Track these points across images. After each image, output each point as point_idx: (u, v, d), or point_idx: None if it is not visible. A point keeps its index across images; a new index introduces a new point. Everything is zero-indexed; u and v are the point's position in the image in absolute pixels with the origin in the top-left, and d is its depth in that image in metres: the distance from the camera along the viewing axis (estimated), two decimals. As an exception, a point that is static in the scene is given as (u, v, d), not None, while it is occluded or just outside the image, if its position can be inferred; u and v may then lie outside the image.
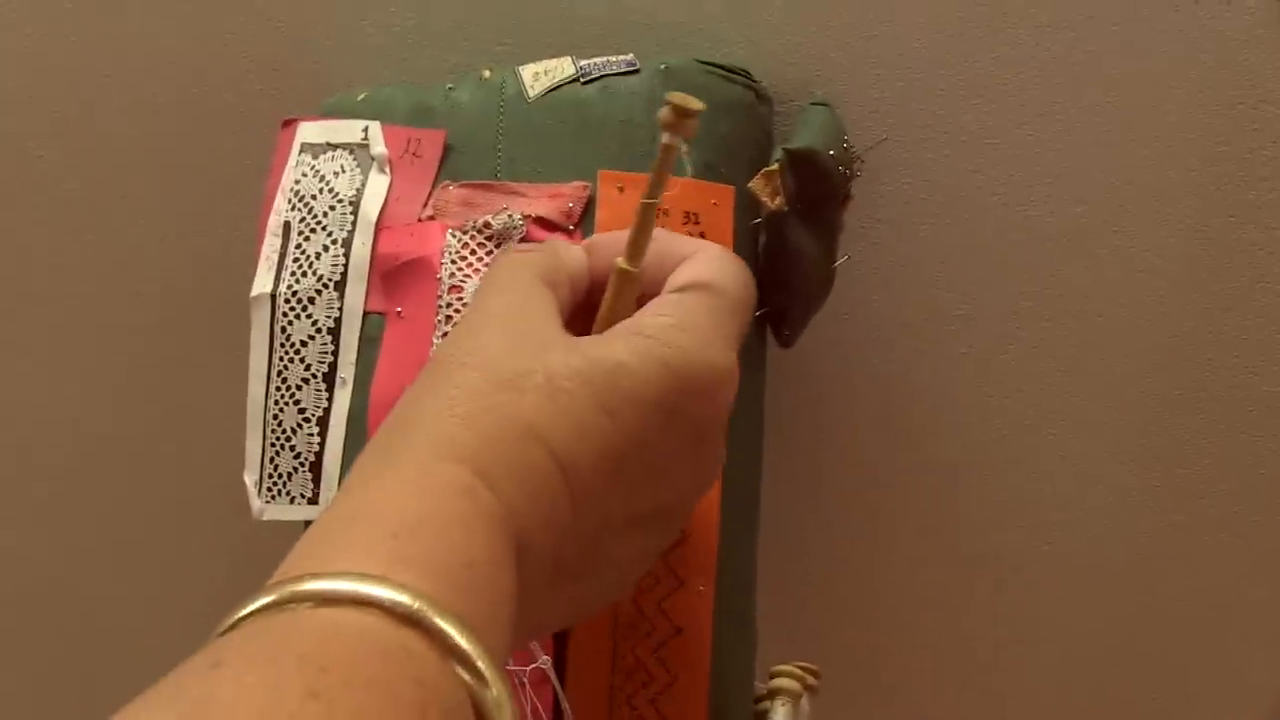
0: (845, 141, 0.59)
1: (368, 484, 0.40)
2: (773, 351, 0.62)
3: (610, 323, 0.50)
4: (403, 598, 0.33)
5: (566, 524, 0.42)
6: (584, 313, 0.52)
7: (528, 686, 0.54)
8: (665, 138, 0.48)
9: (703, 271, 0.50)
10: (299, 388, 0.61)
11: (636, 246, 0.50)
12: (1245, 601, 0.75)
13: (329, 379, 0.61)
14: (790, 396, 0.74)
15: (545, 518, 0.41)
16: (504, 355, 0.43)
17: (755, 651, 0.62)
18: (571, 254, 0.52)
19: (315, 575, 0.34)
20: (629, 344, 0.44)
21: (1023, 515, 0.75)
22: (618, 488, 0.44)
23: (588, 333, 0.50)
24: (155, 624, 0.86)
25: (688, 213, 0.59)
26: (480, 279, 0.53)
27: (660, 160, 0.49)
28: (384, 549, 0.35)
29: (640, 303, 0.51)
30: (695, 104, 0.46)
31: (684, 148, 0.50)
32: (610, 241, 0.54)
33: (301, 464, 0.61)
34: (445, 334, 0.58)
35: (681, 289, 0.49)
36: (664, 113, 0.48)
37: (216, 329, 0.78)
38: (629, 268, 0.51)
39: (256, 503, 0.62)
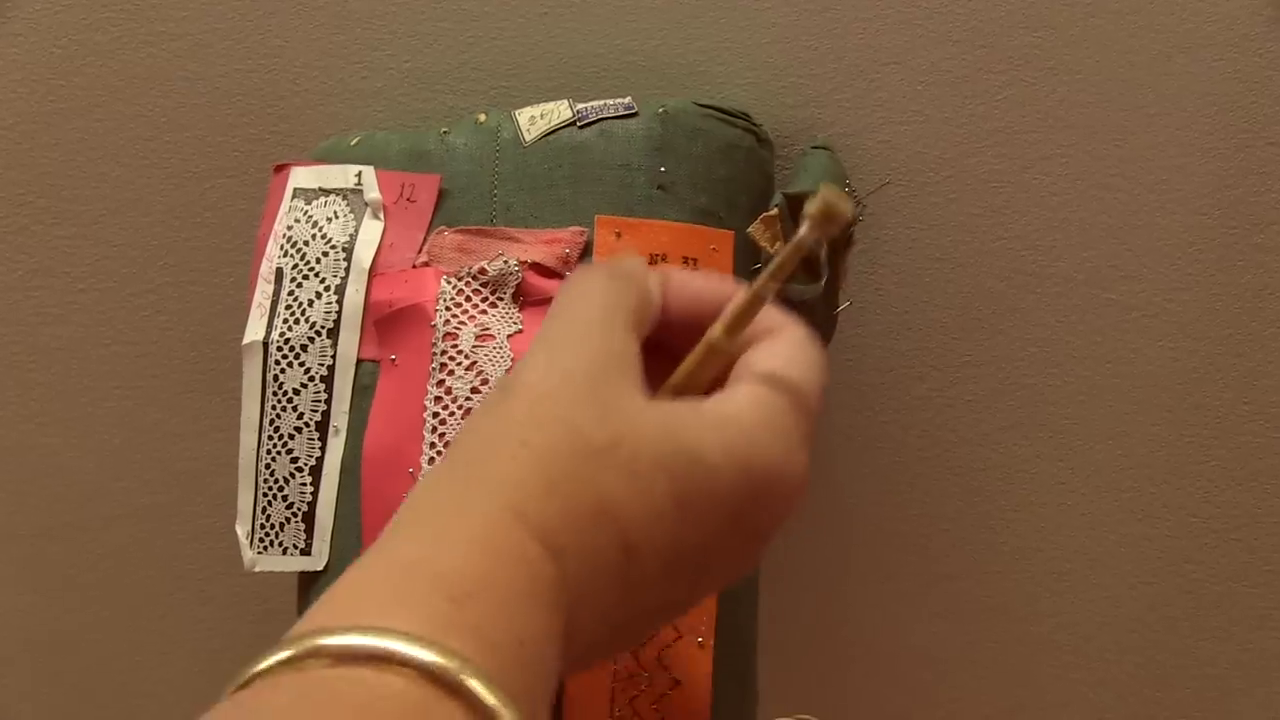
0: (847, 185, 0.59)
1: (433, 528, 0.38)
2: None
3: (686, 390, 0.47)
4: (448, 663, 0.32)
5: (611, 605, 0.40)
6: (649, 350, 0.46)
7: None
8: (804, 229, 0.43)
9: (789, 362, 0.46)
10: (291, 437, 0.60)
11: (739, 324, 0.47)
12: (1258, 651, 0.73)
13: (322, 428, 0.60)
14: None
15: (598, 595, 0.39)
16: (591, 423, 0.40)
17: (756, 707, 0.61)
18: (650, 286, 0.48)
19: (358, 629, 0.32)
20: (716, 436, 0.41)
21: (1031, 566, 0.73)
22: (668, 577, 0.41)
23: (653, 374, 0.46)
24: (146, 676, 0.84)
25: (686, 258, 0.58)
26: (564, 291, 0.47)
27: (793, 248, 0.44)
28: (441, 613, 0.34)
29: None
30: (847, 209, 0.43)
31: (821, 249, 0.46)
32: (687, 282, 0.50)
33: (294, 514, 0.60)
34: (440, 381, 0.57)
35: (769, 381, 0.45)
36: (814, 208, 0.43)
37: (208, 377, 0.76)
38: (724, 345, 0.47)
39: (248, 554, 0.61)
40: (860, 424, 0.70)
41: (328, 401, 0.60)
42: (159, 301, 0.76)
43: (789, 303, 0.57)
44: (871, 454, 0.70)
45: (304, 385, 0.60)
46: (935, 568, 0.71)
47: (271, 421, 0.61)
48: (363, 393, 0.60)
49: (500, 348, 0.58)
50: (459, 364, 0.58)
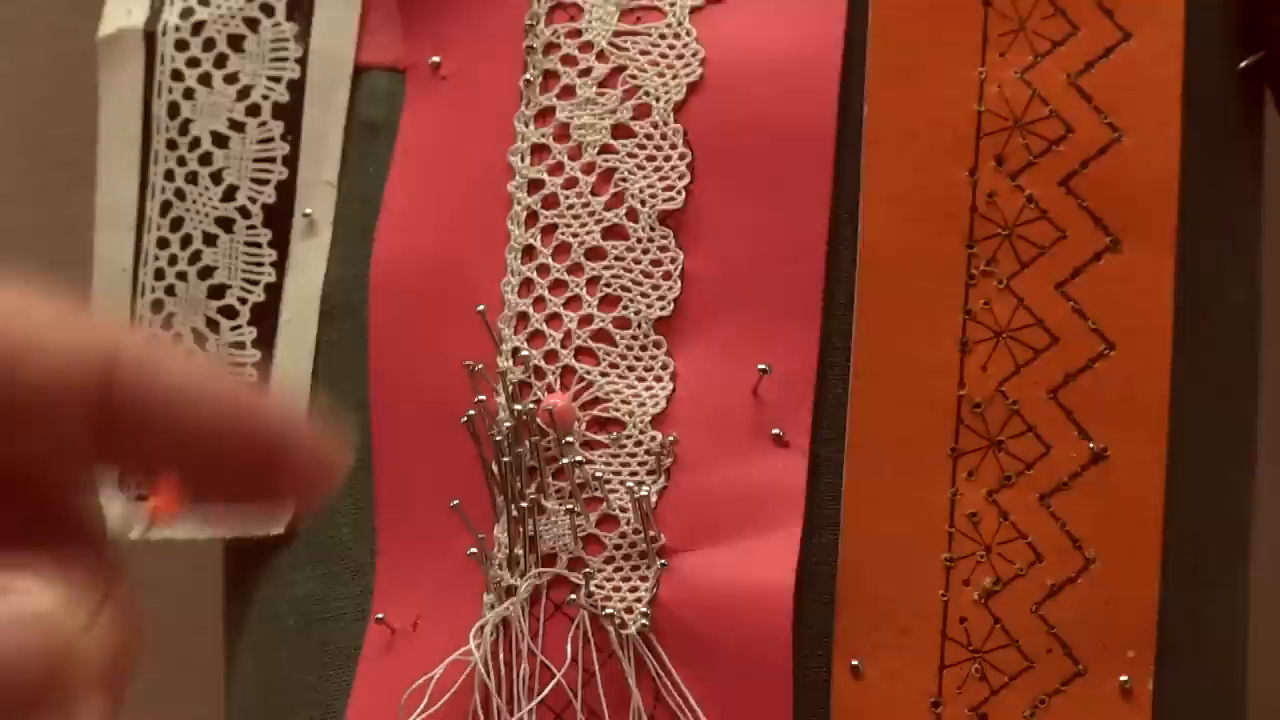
0: None
1: None
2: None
3: None
4: None
5: None
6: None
7: None
8: None
9: None
10: (210, 239, 0.38)
11: None
12: None
13: (276, 215, 0.38)
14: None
15: None
16: None
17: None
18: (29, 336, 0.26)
19: None
20: None
21: None
22: None
23: None
24: None
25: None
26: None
27: None
28: None
29: None
30: None
31: None
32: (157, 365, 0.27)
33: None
34: (544, 111, 0.37)
35: None
36: None
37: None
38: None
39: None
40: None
41: (289, 159, 0.38)
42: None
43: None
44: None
45: (237, 125, 0.39)
46: None
47: (165, 207, 0.39)
48: (368, 137, 0.39)
49: (675, 32, 0.37)
50: (584, 69, 0.37)
